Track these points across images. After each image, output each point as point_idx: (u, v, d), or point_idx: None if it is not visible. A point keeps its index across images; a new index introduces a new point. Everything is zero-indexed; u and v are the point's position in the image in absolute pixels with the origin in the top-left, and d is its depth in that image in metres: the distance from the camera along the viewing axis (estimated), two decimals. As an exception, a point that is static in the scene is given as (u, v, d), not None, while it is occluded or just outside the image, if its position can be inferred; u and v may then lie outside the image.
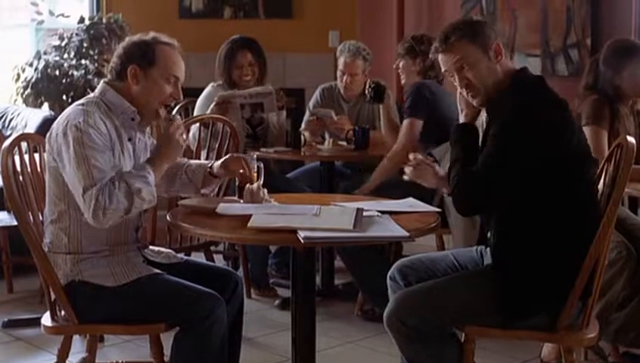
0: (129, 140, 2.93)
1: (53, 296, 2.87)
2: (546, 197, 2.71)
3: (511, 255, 2.76)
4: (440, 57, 2.86)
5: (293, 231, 2.58)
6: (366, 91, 4.72)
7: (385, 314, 2.80)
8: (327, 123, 4.91)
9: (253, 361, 3.72)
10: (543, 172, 2.68)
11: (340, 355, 3.92)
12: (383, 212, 2.83)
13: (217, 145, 4.17)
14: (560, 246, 2.72)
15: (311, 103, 5.21)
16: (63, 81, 5.93)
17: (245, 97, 4.75)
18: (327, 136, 4.93)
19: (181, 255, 3.17)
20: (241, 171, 3.04)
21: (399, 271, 3.01)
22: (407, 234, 2.63)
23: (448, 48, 2.82)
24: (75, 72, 5.93)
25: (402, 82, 4.74)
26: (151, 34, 2.95)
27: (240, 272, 4.61)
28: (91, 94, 2.95)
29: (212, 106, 4.67)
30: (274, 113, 4.88)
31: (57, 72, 5.95)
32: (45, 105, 5.98)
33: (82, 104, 2.87)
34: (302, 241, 2.55)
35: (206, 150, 4.24)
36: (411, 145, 4.31)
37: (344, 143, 4.89)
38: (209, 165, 3.12)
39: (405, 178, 3.01)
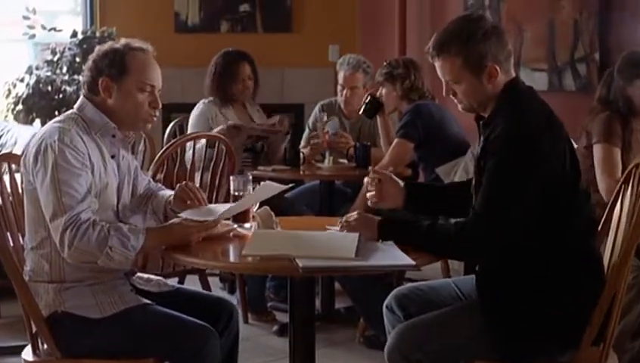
0: (112, 157, 2.76)
1: (34, 328, 2.69)
2: (546, 227, 2.53)
3: (503, 292, 2.58)
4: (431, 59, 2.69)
5: (291, 259, 2.42)
6: (362, 104, 4.58)
7: (386, 349, 2.62)
8: (329, 141, 4.74)
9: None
10: (543, 201, 2.49)
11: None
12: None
13: (212, 164, 3.99)
14: (556, 281, 2.54)
15: (310, 121, 5.04)
16: (56, 97, 5.77)
17: (256, 130, 4.65)
18: (327, 154, 4.76)
19: (172, 282, 3.00)
20: (188, 202, 2.83)
21: (397, 301, 2.83)
22: (412, 262, 2.46)
23: (439, 58, 2.63)
24: (67, 88, 5.78)
25: (387, 110, 4.61)
26: (122, 41, 2.76)
27: (237, 295, 4.44)
28: (70, 110, 2.78)
29: (218, 129, 4.51)
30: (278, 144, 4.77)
31: (49, 88, 5.79)
32: (37, 121, 5.81)
33: (60, 121, 2.70)
34: (300, 271, 2.38)
35: (200, 171, 4.06)
36: (395, 165, 4.21)
37: (345, 161, 4.73)
38: (170, 198, 2.92)
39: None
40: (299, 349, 2.72)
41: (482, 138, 2.64)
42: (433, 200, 2.90)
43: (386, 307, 2.88)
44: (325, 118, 4.83)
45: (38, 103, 5.76)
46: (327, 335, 4.22)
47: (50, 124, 2.70)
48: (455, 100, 2.69)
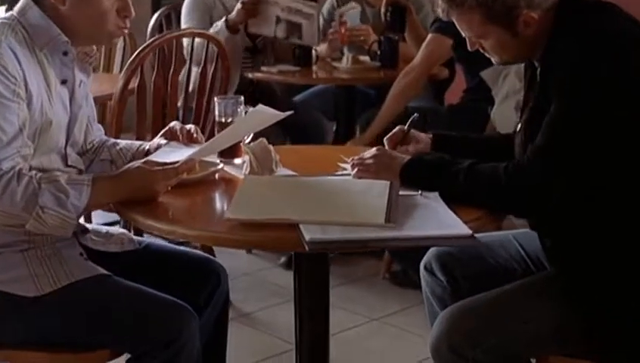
0: (63, 83, 2.01)
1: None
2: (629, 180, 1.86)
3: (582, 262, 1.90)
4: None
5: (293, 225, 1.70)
6: (382, 15, 3.75)
7: (431, 338, 1.92)
8: (347, 35, 3.90)
9: (249, 348, 2.90)
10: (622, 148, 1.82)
11: (361, 340, 3.06)
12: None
13: (201, 68, 3.18)
14: None
15: (325, 9, 4.20)
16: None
17: (283, 9, 3.71)
18: (345, 51, 3.93)
19: (141, 237, 2.28)
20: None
21: (439, 260, 2.14)
22: (467, 231, 1.72)
23: (458, 13, 1.92)
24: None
25: None
26: None
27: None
28: (8, 13, 2.01)
29: (237, 6, 3.67)
30: (314, 44, 3.83)
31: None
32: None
33: None
34: (306, 246, 1.65)
35: (186, 69, 3.25)
36: (430, 64, 3.52)
37: (367, 58, 3.92)
38: (145, 146, 2.19)
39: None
40: (307, 287, 2.01)
41: (538, 81, 1.92)
42: (466, 154, 2.17)
43: (425, 267, 2.18)
44: (343, 6, 4.00)
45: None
46: (344, 269, 3.54)
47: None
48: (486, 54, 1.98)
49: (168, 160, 1.95)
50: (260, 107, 2.03)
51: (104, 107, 3.52)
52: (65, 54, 2.01)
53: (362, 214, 1.76)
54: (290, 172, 2.09)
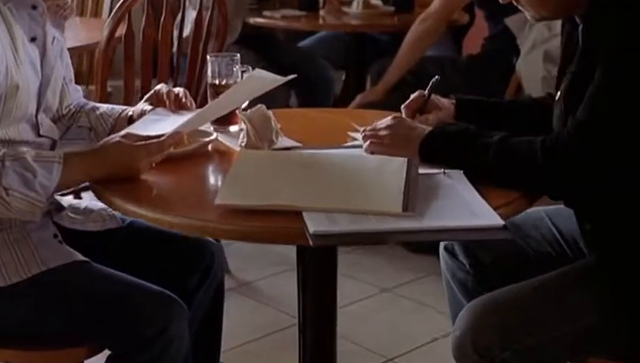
0: (32, 40, 1.75)
1: None
2: None
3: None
4: None
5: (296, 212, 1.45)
6: None
7: (454, 335, 1.69)
8: None
9: (250, 323, 2.68)
10: None
11: (371, 313, 2.82)
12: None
13: (196, 15, 2.88)
14: None
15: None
16: None
17: None
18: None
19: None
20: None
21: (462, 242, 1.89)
22: (500, 221, 1.46)
23: None
24: None
25: None
26: None
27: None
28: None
29: None
30: None
31: None
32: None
33: None
34: (310, 240, 1.40)
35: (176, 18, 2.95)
36: (450, 9, 3.23)
37: (379, 2, 3.63)
38: (128, 112, 1.93)
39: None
40: (312, 258, 1.76)
41: (580, 42, 1.65)
42: (494, 123, 1.90)
43: (446, 249, 1.94)
44: None
45: None
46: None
47: None
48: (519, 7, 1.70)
49: (152, 132, 1.69)
50: (258, 71, 1.76)
51: (92, 55, 3.25)
52: (34, 7, 1.75)
53: (376, 200, 1.50)
54: (293, 143, 1.83)
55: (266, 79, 1.74)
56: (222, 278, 1.99)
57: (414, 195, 1.52)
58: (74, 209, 1.91)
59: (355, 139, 1.84)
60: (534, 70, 2.80)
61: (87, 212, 1.92)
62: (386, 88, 3.14)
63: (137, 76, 2.67)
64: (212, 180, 1.74)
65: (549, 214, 1.91)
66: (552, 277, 1.71)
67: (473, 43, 3.49)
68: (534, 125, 1.83)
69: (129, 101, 2.60)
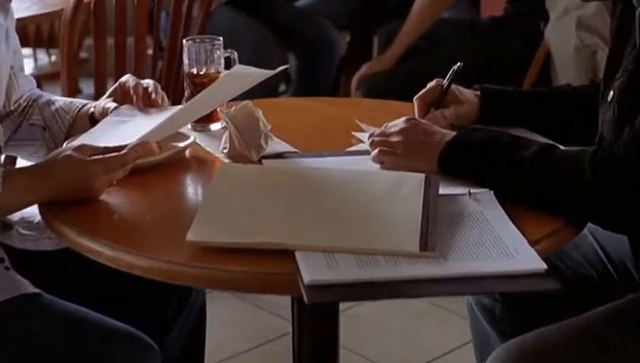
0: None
1: None
2: None
3: None
4: None
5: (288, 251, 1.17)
6: None
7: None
8: None
9: (246, 331, 2.40)
10: None
11: (377, 318, 2.52)
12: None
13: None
14: None
15: None
16: None
17: None
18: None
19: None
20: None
21: None
22: (541, 264, 1.17)
23: None
24: None
25: None
26: None
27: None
28: None
29: None
30: None
31: None
32: None
33: None
34: (305, 296, 1.10)
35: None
36: None
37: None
38: (89, 107, 1.61)
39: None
40: None
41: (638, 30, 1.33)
42: (527, 119, 1.59)
43: None
44: None
45: None
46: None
47: None
48: None
49: (113, 141, 1.39)
50: (240, 67, 1.45)
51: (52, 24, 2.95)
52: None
53: (386, 236, 1.21)
54: (287, 147, 1.52)
55: (250, 75, 1.43)
56: (204, 304, 1.70)
57: (434, 227, 1.22)
58: (26, 223, 1.60)
59: (362, 142, 1.54)
60: (565, 39, 2.47)
61: (41, 226, 1.60)
62: (396, 57, 2.81)
63: (110, 35, 2.37)
64: (188, 200, 1.43)
65: (593, 231, 1.61)
66: (597, 317, 1.41)
67: (493, 4, 3.13)
68: (576, 123, 1.54)
69: (102, 66, 2.30)
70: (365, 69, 2.90)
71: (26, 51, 3.33)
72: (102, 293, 1.52)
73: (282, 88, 3.47)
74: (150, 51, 2.68)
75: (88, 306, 1.46)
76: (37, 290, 1.45)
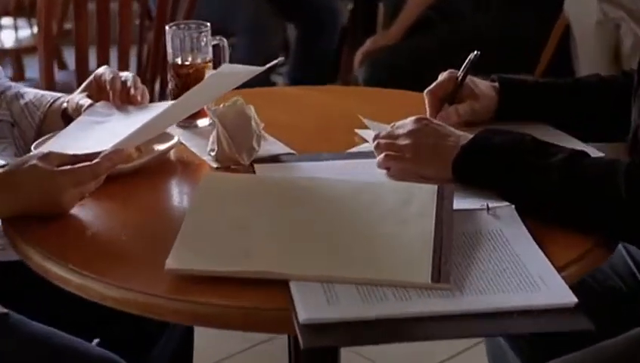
0: None
1: None
2: None
3: None
4: None
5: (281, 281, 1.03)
6: None
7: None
8: None
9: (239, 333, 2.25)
10: None
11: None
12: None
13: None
14: None
15: None
16: None
17: None
18: None
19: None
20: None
21: None
22: (571, 298, 1.02)
23: None
24: None
25: None
26: None
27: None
28: None
29: None
30: None
31: None
32: None
33: None
34: (300, 336, 0.96)
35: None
36: None
37: None
38: (62, 101, 1.44)
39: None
40: None
41: None
42: (551, 114, 1.43)
43: None
44: None
45: None
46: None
47: None
48: None
49: (83, 148, 1.23)
50: (226, 66, 1.28)
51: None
52: None
53: (393, 263, 1.05)
54: (282, 148, 1.37)
55: (238, 73, 1.26)
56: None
57: (449, 253, 1.07)
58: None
59: (365, 141, 1.38)
60: (586, 11, 2.29)
61: (7, 235, 1.47)
62: (402, 31, 2.64)
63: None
64: (170, 214, 1.27)
65: (627, 246, 1.46)
66: (628, 343, 1.26)
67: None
68: (604, 118, 1.39)
69: (82, 34, 2.13)
70: (368, 44, 2.73)
71: (6, 20, 3.16)
72: (74, 312, 1.37)
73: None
74: (137, 21, 2.50)
75: (60, 325, 1.33)
76: (5, 310, 1.31)
